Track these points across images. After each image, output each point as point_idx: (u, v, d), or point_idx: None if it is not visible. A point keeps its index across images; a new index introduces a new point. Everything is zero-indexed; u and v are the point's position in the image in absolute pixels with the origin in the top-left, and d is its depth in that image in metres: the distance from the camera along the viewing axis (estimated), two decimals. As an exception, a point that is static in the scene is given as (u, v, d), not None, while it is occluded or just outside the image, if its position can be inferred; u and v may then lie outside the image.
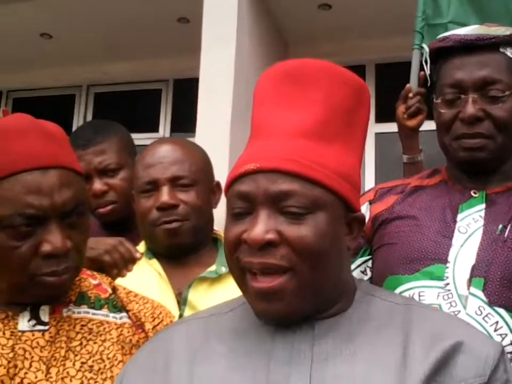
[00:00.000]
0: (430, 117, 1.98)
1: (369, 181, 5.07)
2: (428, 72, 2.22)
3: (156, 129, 5.65)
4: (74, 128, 5.70)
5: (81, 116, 5.90)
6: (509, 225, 1.51)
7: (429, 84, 2.18)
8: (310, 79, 1.06)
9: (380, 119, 5.02)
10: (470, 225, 1.54)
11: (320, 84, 1.05)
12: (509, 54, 1.56)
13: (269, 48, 4.93)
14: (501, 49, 1.56)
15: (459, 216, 1.56)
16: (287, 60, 1.11)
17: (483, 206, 1.56)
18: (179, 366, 1.05)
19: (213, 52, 4.24)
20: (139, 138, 5.58)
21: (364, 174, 5.12)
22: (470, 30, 1.62)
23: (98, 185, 2.00)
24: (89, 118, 5.84)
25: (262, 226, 0.98)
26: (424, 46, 2.44)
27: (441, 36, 1.67)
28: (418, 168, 2.10)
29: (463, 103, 1.55)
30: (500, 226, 1.52)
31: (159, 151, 1.72)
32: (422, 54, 2.44)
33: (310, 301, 1.02)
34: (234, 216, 1.03)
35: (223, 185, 1.84)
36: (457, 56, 1.57)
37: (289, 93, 1.06)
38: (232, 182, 1.04)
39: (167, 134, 5.61)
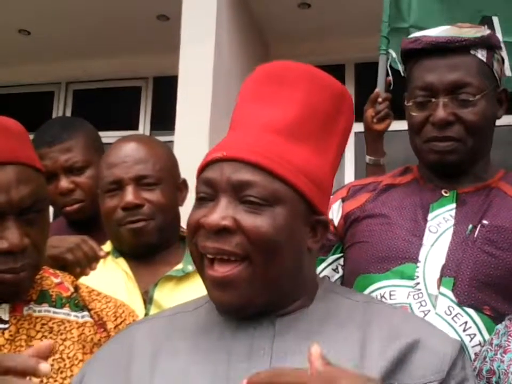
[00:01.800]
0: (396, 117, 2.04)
1: (349, 180, 5.08)
2: (391, 78, 2.35)
3: (135, 127, 5.63)
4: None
5: (60, 113, 5.86)
6: (479, 225, 1.52)
7: (391, 87, 2.31)
8: (291, 80, 1.09)
9: (359, 118, 5.02)
10: (441, 224, 1.54)
11: (300, 85, 1.08)
12: (479, 56, 1.56)
13: (249, 46, 4.93)
14: (472, 52, 1.56)
15: (430, 216, 1.56)
16: (270, 62, 1.15)
17: (453, 205, 1.57)
18: (141, 362, 1.06)
19: (192, 50, 4.23)
20: (118, 136, 5.59)
21: (344, 173, 5.13)
22: (441, 31, 1.61)
23: (64, 183, 1.98)
24: (68, 115, 5.80)
25: (219, 212, 1.00)
26: (390, 50, 2.48)
27: (412, 36, 1.67)
28: (381, 170, 2.13)
29: (434, 106, 1.55)
30: (470, 226, 1.52)
31: (122, 150, 1.71)
32: (387, 59, 2.50)
33: (265, 294, 1.03)
34: (198, 201, 1.06)
35: (190, 183, 1.85)
36: (428, 58, 1.57)
37: (269, 92, 1.09)
38: (202, 168, 1.07)
39: (147, 132, 5.59)
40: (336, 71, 5.30)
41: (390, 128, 2.20)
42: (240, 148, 1.03)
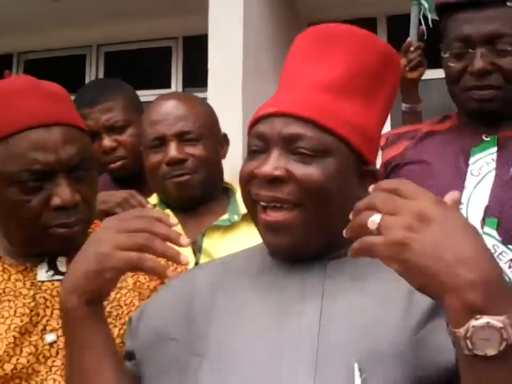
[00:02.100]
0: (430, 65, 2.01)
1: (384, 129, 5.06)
2: (424, 27, 2.32)
3: (168, 85, 5.64)
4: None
5: (92, 76, 5.89)
6: None
7: (424, 38, 2.28)
8: (340, 39, 1.12)
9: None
10: (483, 168, 1.56)
11: (348, 45, 1.11)
12: None
13: (278, 5, 4.89)
14: (508, 3, 1.57)
15: (471, 160, 1.58)
16: (320, 24, 1.17)
17: (495, 149, 1.59)
18: (201, 300, 1.10)
19: (221, 7, 4.21)
20: (152, 95, 5.61)
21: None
22: None
23: (107, 142, 2.04)
24: (100, 77, 5.84)
25: (272, 163, 1.04)
26: (422, 1, 2.46)
27: None
28: (418, 118, 2.15)
29: (472, 56, 1.57)
30: None
31: (163, 107, 1.74)
32: (420, 9, 2.46)
33: (316, 238, 1.07)
34: (250, 153, 1.10)
35: (231, 137, 1.88)
36: (463, 11, 1.59)
37: (318, 51, 1.12)
38: (253, 124, 1.11)
39: (180, 90, 5.60)
40: (368, 25, 5.24)
41: (425, 77, 2.20)
42: (290, 103, 1.07)
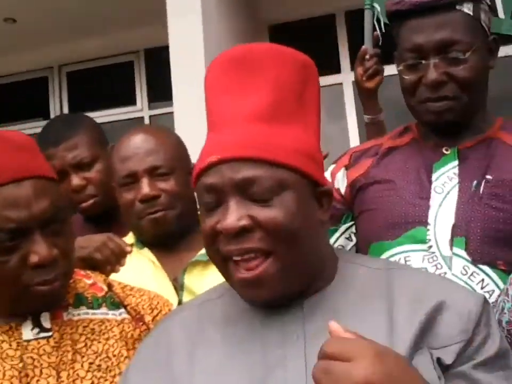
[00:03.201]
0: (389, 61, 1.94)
1: (352, 130, 5.08)
2: (379, 32, 2.28)
3: (133, 103, 5.62)
4: (51, 110, 5.68)
5: (56, 97, 5.85)
6: (483, 181, 1.53)
7: (380, 43, 2.24)
8: (257, 62, 1.08)
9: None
10: (446, 184, 1.55)
11: (267, 66, 1.07)
12: (466, 10, 1.54)
13: (238, 7, 4.88)
14: (458, 7, 1.54)
15: (434, 176, 1.57)
16: (232, 47, 1.13)
17: (456, 162, 1.58)
18: (180, 358, 1.09)
19: (179, 20, 4.20)
20: (118, 114, 5.58)
21: (347, 124, 5.12)
22: None
23: (76, 180, 2.01)
24: (64, 97, 5.80)
25: (234, 214, 1.01)
26: (375, 5, 2.43)
27: None
28: (380, 127, 2.13)
29: (425, 67, 1.55)
30: (475, 182, 1.53)
31: (132, 142, 1.73)
32: (374, 14, 2.43)
33: (294, 281, 1.05)
34: (206, 209, 1.06)
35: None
36: (413, 18, 1.56)
37: (238, 79, 1.08)
38: (198, 175, 1.07)
39: (145, 106, 5.58)
40: (327, 21, 5.27)
41: (386, 74, 2.16)
42: (232, 146, 1.03)
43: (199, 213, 1.78)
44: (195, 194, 1.77)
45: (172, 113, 4.29)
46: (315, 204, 1.07)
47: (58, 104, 5.69)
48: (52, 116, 5.61)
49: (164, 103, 5.12)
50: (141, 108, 5.52)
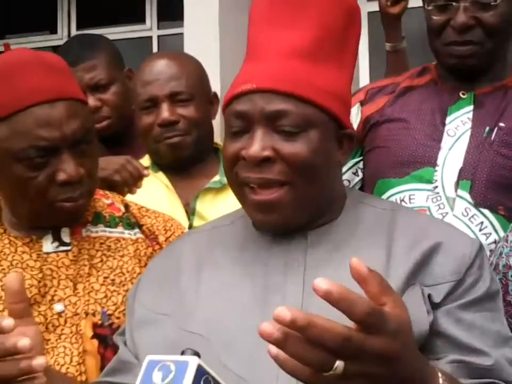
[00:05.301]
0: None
1: (363, 62, 5.02)
2: None
3: (142, 20, 5.54)
4: (59, 24, 5.61)
5: (65, 11, 5.75)
6: (496, 128, 1.56)
7: None
8: (305, 2, 1.09)
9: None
10: (459, 127, 1.59)
11: (313, 4, 1.09)
12: None
13: None
14: None
15: (448, 119, 1.61)
16: None
17: (471, 107, 1.61)
18: (188, 274, 1.14)
19: None
20: (126, 31, 5.51)
21: (358, 56, 5.05)
22: None
23: (92, 101, 2.02)
24: (73, 13, 5.70)
25: (258, 144, 1.04)
26: None
27: None
28: (401, 55, 2.12)
29: (455, 10, 1.56)
30: (487, 128, 1.57)
31: (155, 67, 1.76)
32: None
33: (305, 212, 1.10)
34: (232, 134, 1.09)
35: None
36: None
37: (283, 13, 1.09)
38: (229, 101, 1.09)
39: (154, 25, 5.51)
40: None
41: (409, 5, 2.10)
42: (267, 77, 1.05)
43: (214, 141, 1.85)
44: (211, 122, 1.83)
45: (181, 34, 4.24)
46: (336, 144, 1.11)
47: (66, 19, 5.60)
48: (59, 30, 5.54)
49: (174, 23, 5.04)
50: (150, 27, 5.44)
